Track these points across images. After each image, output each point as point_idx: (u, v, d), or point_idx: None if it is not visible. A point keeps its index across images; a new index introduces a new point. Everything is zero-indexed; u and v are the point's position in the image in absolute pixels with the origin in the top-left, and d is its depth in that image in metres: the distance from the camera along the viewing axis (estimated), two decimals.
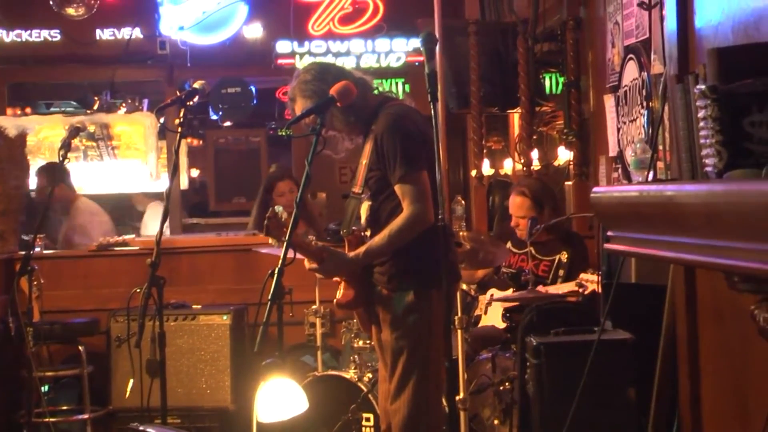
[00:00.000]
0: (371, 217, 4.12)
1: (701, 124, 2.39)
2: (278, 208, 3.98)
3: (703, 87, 2.36)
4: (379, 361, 4.32)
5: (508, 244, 5.94)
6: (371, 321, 4.22)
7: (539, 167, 8.03)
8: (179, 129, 4.60)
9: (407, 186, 3.94)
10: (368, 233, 4.13)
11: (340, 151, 4.33)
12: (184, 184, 11.26)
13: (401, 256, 4.03)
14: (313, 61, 4.65)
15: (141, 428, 3.92)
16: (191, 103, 4.67)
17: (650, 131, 4.91)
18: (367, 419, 5.35)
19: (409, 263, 4.03)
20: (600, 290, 5.11)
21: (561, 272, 5.64)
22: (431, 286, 3.94)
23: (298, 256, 3.84)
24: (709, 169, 2.36)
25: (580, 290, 5.24)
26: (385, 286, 4.08)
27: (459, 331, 4.70)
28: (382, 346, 4.17)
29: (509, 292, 5.68)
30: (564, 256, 5.69)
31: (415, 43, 9.14)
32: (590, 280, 5.22)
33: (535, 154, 7.36)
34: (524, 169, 7.18)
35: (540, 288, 5.42)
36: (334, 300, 4.23)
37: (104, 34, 9.91)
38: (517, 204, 5.88)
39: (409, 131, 4.01)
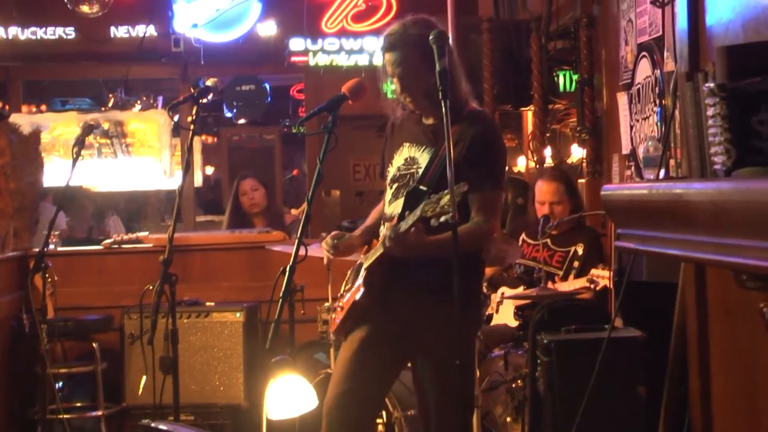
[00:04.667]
0: None
1: (710, 122, 2.38)
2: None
3: (712, 85, 2.36)
4: (348, 367, 4.05)
5: (522, 236, 5.93)
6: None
7: (552, 165, 8.01)
8: (192, 126, 4.62)
9: (488, 200, 3.87)
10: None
11: (397, 116, 4.20)
12: (198, 181, 11.28)
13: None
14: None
15: (153, 425, 3.93)
16: (204, 100, 4.69)
17: (662, 129, 4.90)
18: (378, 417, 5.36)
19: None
20: (611, 286, 5.10)
21: (575, 264, 5.61)
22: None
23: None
24: (717, 167, 2.36)
25: (592, 286, 5.23)
26: (432, 293, 3.87)
27: None
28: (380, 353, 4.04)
29: (520, 290, 5.67)
30: (580, 248, 5.66)
31: None
32: (601, 276, 5.21)
33: (548, 151, 7.34)
34: (537, 166, 7.17)
35: (551, 284, 5.42)
36: (357, 297, 4.07)
37: (118, 32, 9.94)
38: (551, 189, 5.81)
39: (504, 147, 4.00)
